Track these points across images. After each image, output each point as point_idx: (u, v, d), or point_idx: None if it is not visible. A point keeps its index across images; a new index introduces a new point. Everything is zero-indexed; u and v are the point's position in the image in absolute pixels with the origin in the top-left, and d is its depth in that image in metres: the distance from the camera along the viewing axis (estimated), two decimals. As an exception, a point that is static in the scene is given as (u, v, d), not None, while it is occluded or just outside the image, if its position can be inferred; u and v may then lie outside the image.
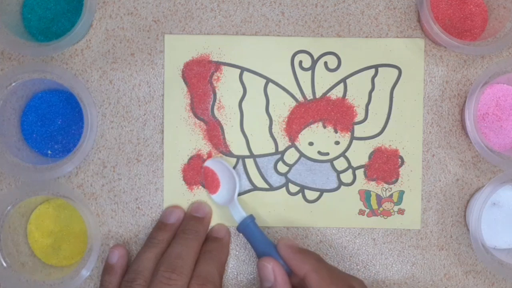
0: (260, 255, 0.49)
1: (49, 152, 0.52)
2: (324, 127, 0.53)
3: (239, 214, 0.50)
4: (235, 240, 0.53)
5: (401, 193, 0.53)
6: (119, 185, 0.53)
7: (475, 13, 0.53)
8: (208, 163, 0.52)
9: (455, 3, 0.53)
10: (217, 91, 0.53)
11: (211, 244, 0.51)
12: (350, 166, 0.53)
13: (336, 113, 0.53)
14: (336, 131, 0.53)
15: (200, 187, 0.53)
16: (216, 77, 0.53)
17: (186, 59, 0.53)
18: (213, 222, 0.53)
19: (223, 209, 0.53)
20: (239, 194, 0.53)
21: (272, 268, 0.46)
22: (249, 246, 0.53)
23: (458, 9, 0.53)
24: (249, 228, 0.50)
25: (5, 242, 0.50)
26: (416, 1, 0.53)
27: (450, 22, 0.53)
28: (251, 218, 0.50)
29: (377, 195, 0.53)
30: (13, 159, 0.50)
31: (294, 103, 0.53)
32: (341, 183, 0.53)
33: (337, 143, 0.53)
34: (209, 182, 0.52)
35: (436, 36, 0.50)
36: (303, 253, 0.48)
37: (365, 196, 0.53)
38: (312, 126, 0.53)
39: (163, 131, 0.53)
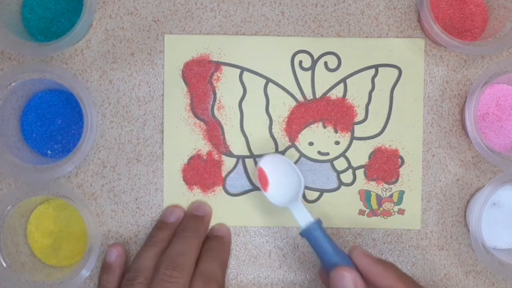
0: (328, 263, 0.45)
1: (49, 152, 0.52)
2: (324, 127, 0.53)
3: (304, 217, 0.46)
4: (235, 240, 0.53)
5: (401, 193, 0.53)
6: (119, 185, 0.53)
7: (475, 13, 0.53)
8: (261, 163, 0.48)
9: (455, 3, 0.53)
10: (217, 91, 0.53)
11: (212, 242, 0.51)
12: (350, 166, 0.53)
13: (336, 113, 0.53)
14: (336, 131, 0.53)
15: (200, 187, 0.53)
16: (216, 77, 0.53)
17: (186, 59, 0.53)
18: (213, 222, 0.53)
19: (223, 209, 0.53)
20: (240, 194, 0.53)
21: (353, 279, 0.43)
22: (250, 246, 0.53)
23: (458, 9, 0.53)
24: (316, 234, 0.45)
25: (5, 242, 0.50)
26: (416, 1, 0.53)
27: (450, 22, 0.53)
28: (318, 222, 0.46)
29: (377, 195, 0.53)
30: (13, 159, 0.50)
31: (294, 103, 0.53)
32: (341, 183, 0.53)
33: (337, 143, 0.53)
34: (260, 180, 0.49)
35: (436, 36, 0.50)
36: (384, 263, 0.45)
37: (365, 196, 0.53)
38: (312, 126, 0.53)
39: (163, 131, 0.53)
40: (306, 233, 0.46)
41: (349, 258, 0.45)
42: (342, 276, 0.43)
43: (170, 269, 0.46)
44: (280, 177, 0.49)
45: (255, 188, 0.53)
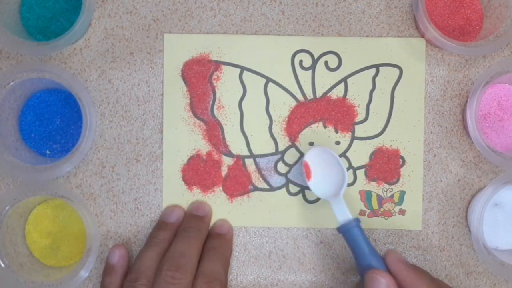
0: (362, 263, 0.46)
1: (48, 152, 0.52)
2: (325, 127, 0.53)
3: (344, 215, 0.47)
4: (235, 241, 0.53)
5: (402, 193, 0.53)
6: (118, 185, 0.52)
7: (471, 12, 0.53)
8: (307, 155, 0.50)
9: (451, 4, 0.53)
10: (216, 90, 0.53)
11: (214, 240, 0.50)
12: (350, 166, 0.53)
13: (336, 113, 0.53)
14: (336, 131, 0.53)
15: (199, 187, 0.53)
16: (215, 77, 0.53)
17: (185, 59, 0.53)
18: (213, 221, 0.53)
19: (223, 210, 0.52)
20: (238, 195, 0.53)
21: (386, 284, 0.43)
22: (250, 246, 0.52)
23: (455, 10, 0.53)
24: (353, 232, 0.46)
25: (3, 243, 0.49)
26: (411, 5, 0.53)
27: (446, 24, 0.53)
28: (356, 221, 0.47)
29: (378, 196, 0.53)
30: (11, 159, 0.50)
31: (294, 103, 0.53)
32: (341, 184, 0.53)
33: (337, 143, 0.53)
34: (305, 170, 0.50)
35: (435, 40, 0.50)
36: (417, 270, 0.46)
37: (366, 196, 0.53)
38: (312, 126, 0.53)
39: (162, 131, 0.52)
40: (343, 230, 0.47)
41: (383, 261, 0.46)
42: (377, 281, 0.44)
43: (172, 270, 0.45)
44: (325, 170, 0.50)
45: (255, 188, 0.53)
